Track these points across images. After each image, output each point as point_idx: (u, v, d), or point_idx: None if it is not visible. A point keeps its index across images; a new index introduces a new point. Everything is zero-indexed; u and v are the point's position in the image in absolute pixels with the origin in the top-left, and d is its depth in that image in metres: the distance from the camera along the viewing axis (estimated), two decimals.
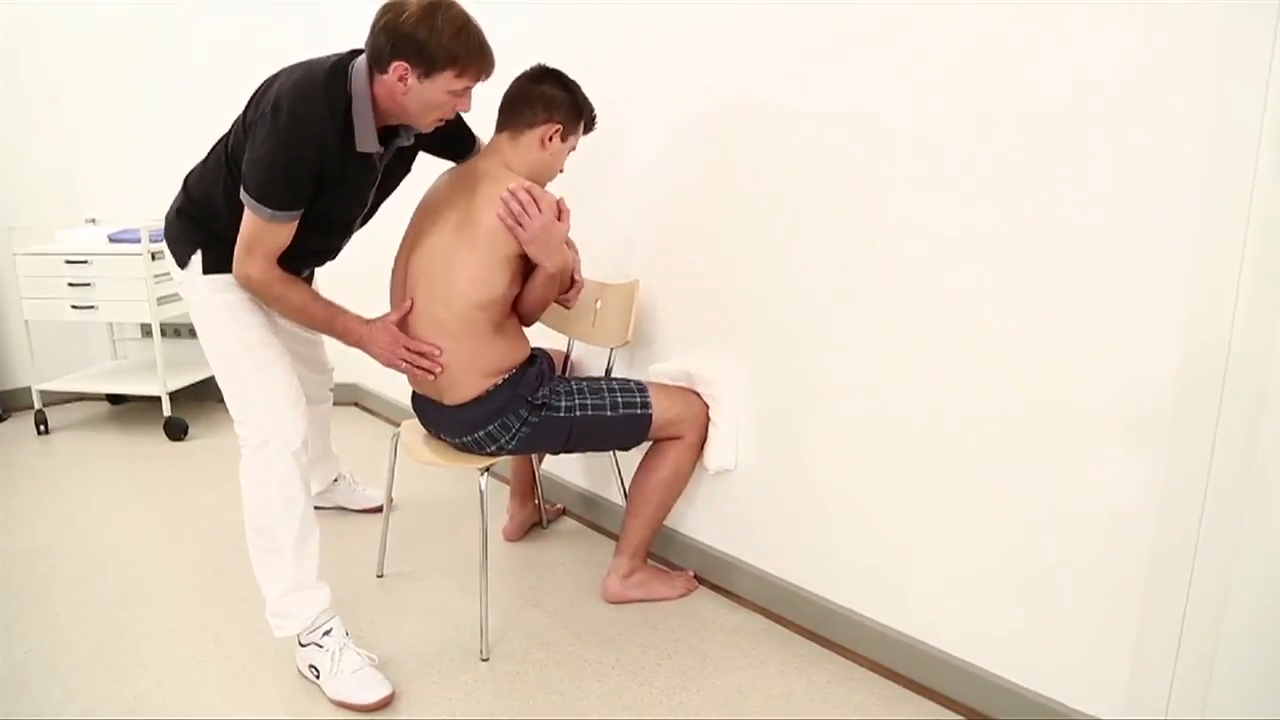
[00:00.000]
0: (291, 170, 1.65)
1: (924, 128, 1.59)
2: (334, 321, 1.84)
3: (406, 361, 1.84)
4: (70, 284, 3.35)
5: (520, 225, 1.76)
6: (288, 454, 1.78)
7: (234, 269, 1.74)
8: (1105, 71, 1.34)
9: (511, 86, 1.90)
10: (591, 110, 1.96)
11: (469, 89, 1.71)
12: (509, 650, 1.94)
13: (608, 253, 2.36)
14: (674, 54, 2.06)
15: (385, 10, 1.62)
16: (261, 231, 1.69)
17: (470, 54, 1.64)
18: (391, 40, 1.61)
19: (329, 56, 1.73)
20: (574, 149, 1.97)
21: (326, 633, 1.80)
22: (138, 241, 3.28)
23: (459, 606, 2.14)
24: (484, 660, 1.90)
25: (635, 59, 2.17)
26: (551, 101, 1.86)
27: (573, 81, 1.92)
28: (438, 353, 1.82)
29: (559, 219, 1.79)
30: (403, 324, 1.86)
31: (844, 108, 1.72)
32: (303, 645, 1.81)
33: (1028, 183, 1.46)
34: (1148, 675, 1.41)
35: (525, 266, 1.86)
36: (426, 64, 1.62)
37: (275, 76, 1.73)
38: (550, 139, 1.88)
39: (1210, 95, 1.23)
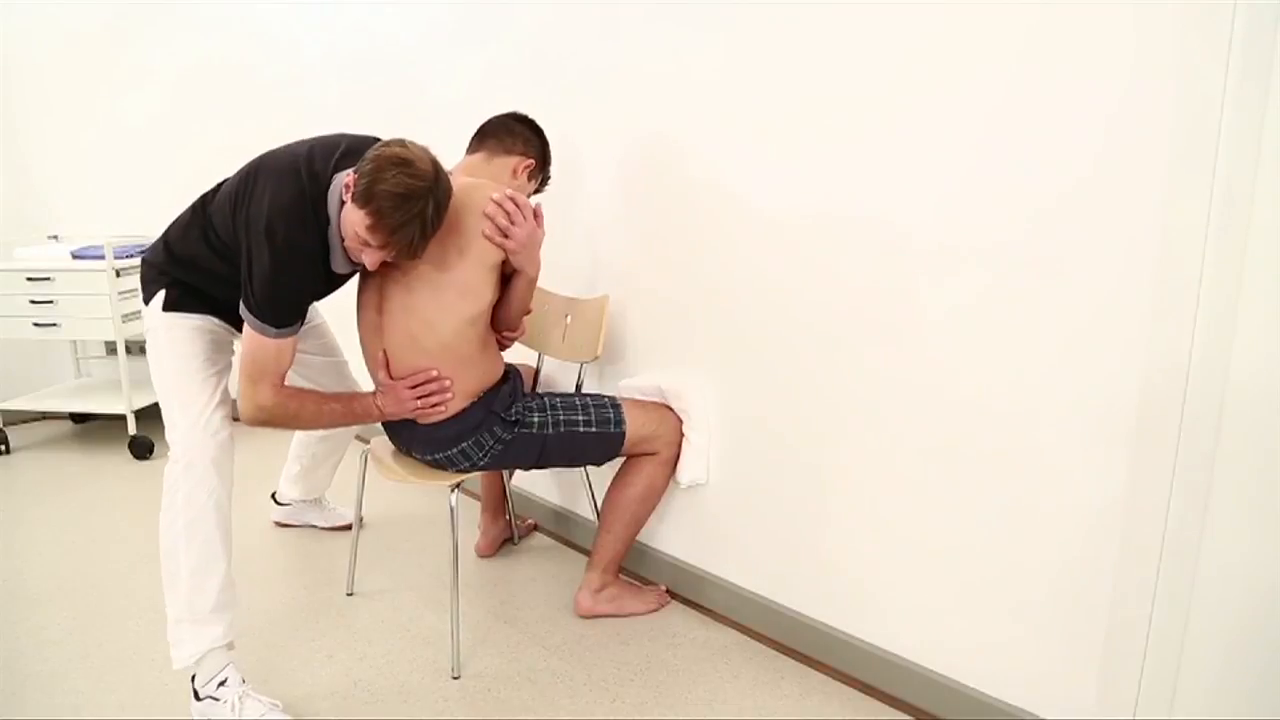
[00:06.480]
0: (294, 291, 1.71)
1: (886, 142, 1.62)
2: (353, 406, 1.87)
3: (420, 401, 1.82)
4: (32, 301, 3.30)
5: (507, 236, 1.77)
6: (196, 472, 1.71)
7: (242, 409, 1.74)
8: (1073, 85, 1.37)
9: (493, 119, 2.00)
10: (550, 169, 2.07)
11: (376, 249, 1.65)
12: (480, 668, 1.93)
13: (577, 268, 2.36)
14: (640, 79, 2.08)
15: (389, 141, 1.64)
16: (266, 353, 1.70)
17: (383, 214, 1.58)
18: (363, 158, 1.63)
19: (315, 159, 1.71)
20: (529, 195, 2.02)
21: (222, 683, 1.71)
22: (101, 258, 3.23)
23: (430, 624, 2.12)
24: (455, 678, 1.89)
25: (604, 84, 2.19)
26: (529, 142, 2.01)
27: (545, 135, 2.04)
28: (434, 374, 1.81)
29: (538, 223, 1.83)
30: (390, 373, 1.86)
31: (800, 129, 1.75)
32: (199, 699, 1.72)
33: (994, 198, 1.49)
34: (1116, 679, 1.43)
35: (501, 275, 1.86)
36: (358, 191, 1.60)
37: (256, 171, 1.72)
38: (521, 171, 1.98)
39: (1166, 106, 1.27)
